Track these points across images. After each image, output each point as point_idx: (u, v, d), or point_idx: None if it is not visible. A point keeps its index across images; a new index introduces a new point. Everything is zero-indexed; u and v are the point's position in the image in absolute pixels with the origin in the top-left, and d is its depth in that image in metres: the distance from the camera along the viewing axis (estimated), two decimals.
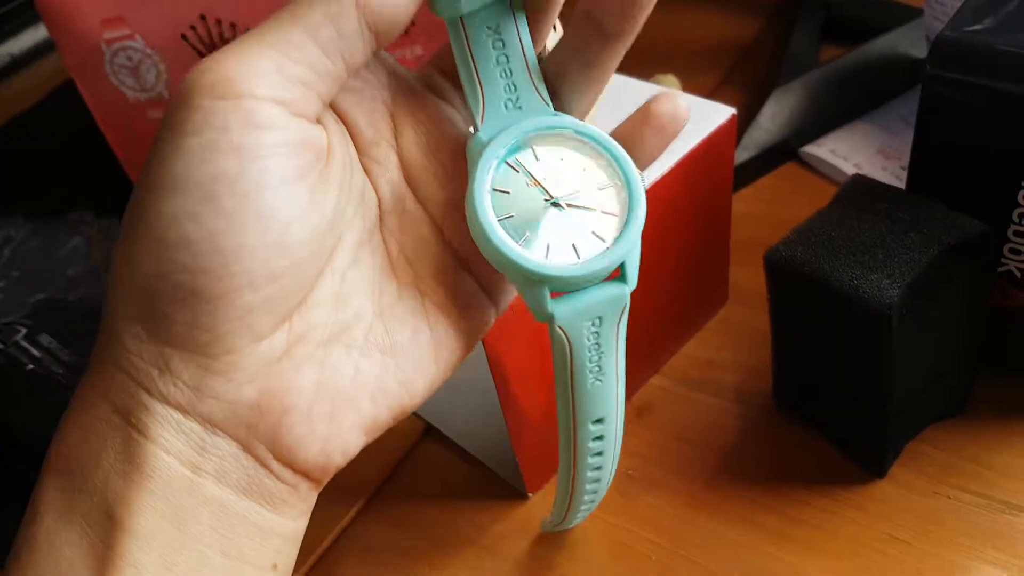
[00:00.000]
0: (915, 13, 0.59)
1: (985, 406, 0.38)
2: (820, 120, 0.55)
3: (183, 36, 0.53)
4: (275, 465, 0.23)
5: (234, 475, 0.23)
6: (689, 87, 0.61)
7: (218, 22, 0.53)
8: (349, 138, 0.25)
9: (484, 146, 0.25)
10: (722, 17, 0.71)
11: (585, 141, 0.25)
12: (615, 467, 0.30)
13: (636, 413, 0.41)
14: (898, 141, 0.53)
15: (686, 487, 0.38)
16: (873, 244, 0.32)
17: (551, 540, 0.38)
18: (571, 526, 0.35)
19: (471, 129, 0.26)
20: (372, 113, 0.25)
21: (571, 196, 0.25)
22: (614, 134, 0.26)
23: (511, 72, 0.25)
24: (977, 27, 0.32)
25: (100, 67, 0.54)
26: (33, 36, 0.88)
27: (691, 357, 0.44)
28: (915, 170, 0.36)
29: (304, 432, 0.23)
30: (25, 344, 0.50)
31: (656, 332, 0.42)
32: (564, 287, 0.24)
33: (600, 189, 0.25)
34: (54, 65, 0.84)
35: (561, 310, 0.25)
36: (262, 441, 0.23)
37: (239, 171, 0.21)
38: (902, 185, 0.49)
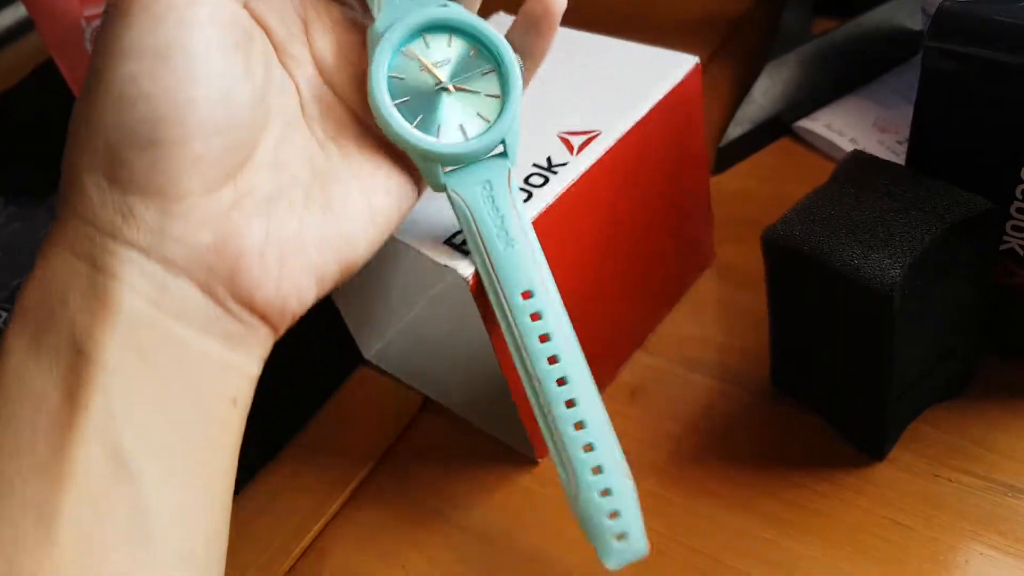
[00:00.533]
0: None
1: (987, 386, 0.37)
2: (814, 94, 0.54)
3: None
4: (233, 306, 0.26)
5: (193, 314, 0.25)
6: None
7: None
8: (265, 36, 0.28)
9: (380, 36, 0.28)
10: None
11: (469, 30, 0.29)
12: (599, 406, 0.29)
13: (631, 394, 0.41)
14: (894, 114, 0.52)
15: (683, 471, 0.37)
16: (874, 222, 0.32)
17: (545, 524, 0.37)
18: (613, 529, 0.29)
19: (371, 20, 0.28)
20: (284, 15, 0.29)
21: (458, 80, 0.29)
22: (509, 32, 0.30)
23: None
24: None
25: (80, 44, 0.53)
26: (12, 15, 0.86)
27: (685, 336, 0.43)
28: (915, 145, 0.35)
29: (258, 274, 0.26)
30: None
31: (638, 294, 0.42)
32: (454, 162, 0.29)
33: (483, 74, 0.29)
34: (33, 45, 0.82)
35: (453, 180, 0.29)
36: (220, 283, 0.25)
37: (187, 38, 0.24)
38: (899, 159, 0.49)
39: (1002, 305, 0.36)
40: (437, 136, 0.28)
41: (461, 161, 0.29)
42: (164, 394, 0.25)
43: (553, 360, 0.29)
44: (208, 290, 0.25)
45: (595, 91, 0.38)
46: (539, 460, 0.39)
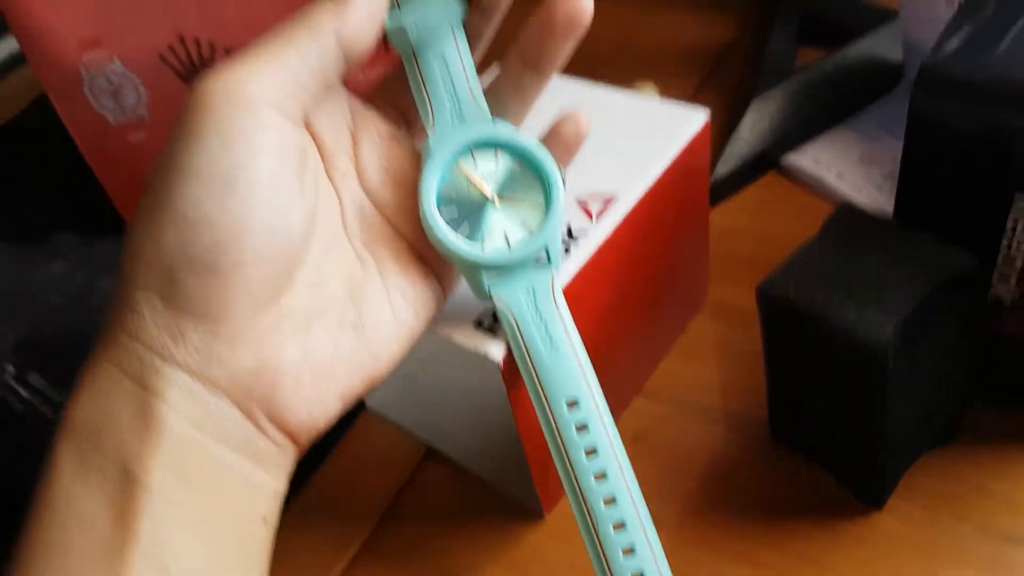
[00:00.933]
0: (891, 15, 0.59)
1: (978, 432, 0.38)
2: (800, 128, 0.55)
3: (161, 57, 0.53)
4: (268, 426, 0.27)
5: (230, 434, 0.26)
6: (668, 91, 0.61)
7: (196, 42, 0.53)
8: (317, 150, 0.29)
9: (432, 153, 0.30)
10: (699, 19, 0.71)
11: (515, 147, 0.30)
12: (643, 509, 0.29)
13: (632, 440, 0.41)
14: (878, 147, 0.53)
15: (684, 521, 0.38)
16: (865, 278, 0.32)
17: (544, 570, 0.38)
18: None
19: (424, 138, 0.30)
20: (336, 131, 0.30)
21: (503, 193, 0.30)
22: (541, 140, 0.32)
23: (455, 89, 0.30)
24: (961, 54, 0.32)
25: (79, 91, 0.54)
26: (8, 47, 0.86)
27: (684, 378, 0.44)
28: (902, 198, 0.36)
29: (293, 396, 0.27)
30: (14, 385, 0.49)
31: (640, 341, 0.42)
32: (499, 270, 0.30)
33: (527, 187, 0.30)
34: (29, 77, 0.82)
35: (498, 287, 0.30)
36: (258, 404, 0.26)
37: (252, 165, 0.25)
38: (885, 194, 0.50)
39: (989, 352, 0.37)
40: (483, 245, 0.30)
41: (505, 269, 0.30)
42: (204, 516, 0.25)
43: (601, 477, 0.29)
44: (246, 411, 0.26)
45: (609, 151, 0.38)
46: (546, 514, 0.40)
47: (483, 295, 0.30)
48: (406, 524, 0.41)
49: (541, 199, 0.30)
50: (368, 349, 0.29)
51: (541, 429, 0.35)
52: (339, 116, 0.30)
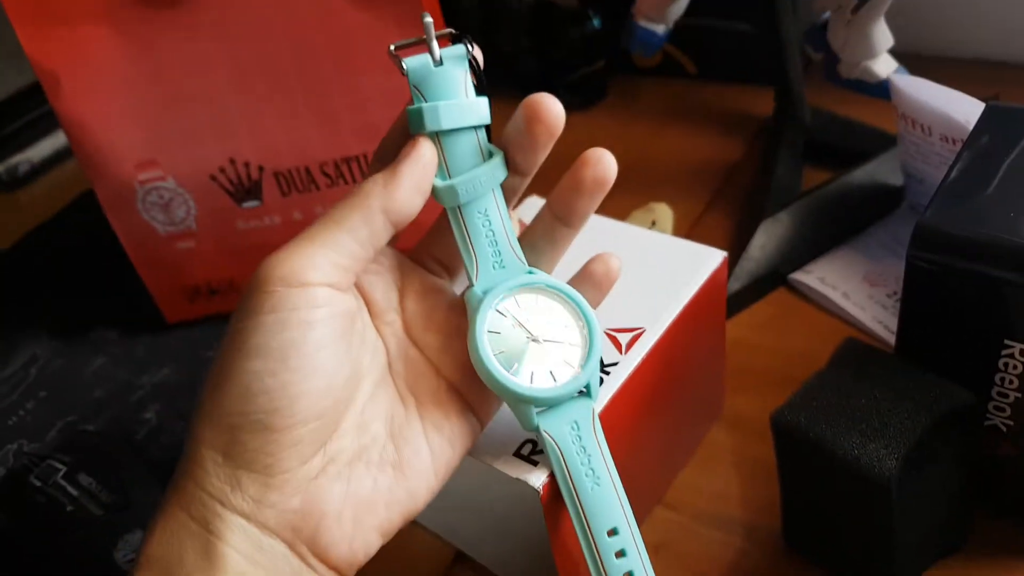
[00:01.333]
0: (891, 139, 0.63)
1: (983, 542, 0.41)
2: (806, 248, 0.59)
3: (212, 177, 0.57)
4: (313, 561, 0.30)
5: (281, 569, 0.29)
6: (679, 209, 0.65)
7: (246, 164, 0.57)
8: (365, 306, 0.33)
9: (480, 299, 0.33)
10: (706, 136, 0.75)
11: (553, 291, 0.34)
12: None
13: (654, 551, 0.43)
14: (882, 268, 0.57)
15: None
16: (869, 411, 0.36)
17: None
18: None
19: (470, 285, 0.34)
20: (386, 289, 0.34)
21: (546, 333, 0.33)
22: (572, 281, 0.35)
23: (496, 241, 0.34)
24: (956, 210, 0.36)
25: (133, 204, 0.57)
26: (53, 143, 0.90)
27: (702, 490, 0.47)
28: (903, 335, 0.39)
29: (336, 534, 0.30)
30: (64, 483, 0.52)
31: (661, 454, 0.45)
32: (545, 404, 0.33)
33: (566, 327, 0.33)
34: (73, 171, 0.86)
35: (544, 420, 0.33)
36: (304, 541, 0.30)
37: (303, 339, 0.29)
38: (889, 314, 0.53)
39: (989, 471, 0.40)
40: (531, 382, 0.32)
41: (552, 403, 0.33)
42: None
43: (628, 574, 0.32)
44: (293, 548, 0.30)
45: (635, 286, 0.42)
46: None
47: (531, 427, 0.33)
48: None
49: (579, 338, 0.33)
50: (405, 486, 0.32)
51: (576, 553, 0.38)
52: (387, 275, 0.34)
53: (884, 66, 0.58)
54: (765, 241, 0.58)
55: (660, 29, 0.65)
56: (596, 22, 0.79)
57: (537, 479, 0.34)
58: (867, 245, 0.59)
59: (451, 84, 0.32)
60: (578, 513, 0.32)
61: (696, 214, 0.66)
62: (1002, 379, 0.37)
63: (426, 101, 0.32)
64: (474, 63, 0.33)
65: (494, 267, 0.34)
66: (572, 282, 0.35)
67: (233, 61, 0.53)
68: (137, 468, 0.55)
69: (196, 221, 0.59)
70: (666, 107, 0.81)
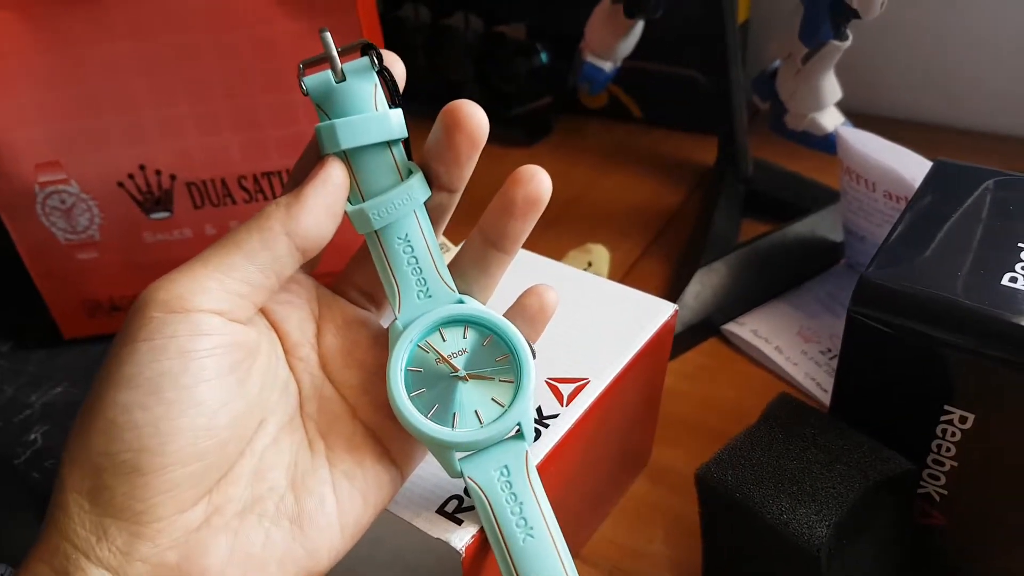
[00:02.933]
0: (833, 194, 0.62)
1: None
2: (741, 299, 0.57)
3: (119, 183, 0.53)
4: None
5: None
6: (616, 252, 0.64)
7: (157, 172, 0.53)
8: (278, 341, 0.30)
9: (400, 333, 0.30)
10: (649, 181, 0.74)
11: (483, 323, 0.31)
12: None
13: None
14: (816, 324, 0.55)
15: None
16: (801, 473, 0.34)
17: None
18: None
19: (394, 318, 0.31)
20: (300, 321, 0.31)
21: (472, 369, 0.30)
22: (506, 315, 0.32)
23: (420, 269, 0.31)
24: (900, 268, 0.34)
25: (32, 208, 0.54)
26: None
27: (621, 546, 0.44)
28: (839, 394, 0.37)
29: None
30: None
31: (584, 506, 0.43)
32: (470, 449, 0.30)
33: (496, 360, 0.30)
34: None
35: (469, 466, 0.30)
36: None
37: (181, 369, 0.26)
38: (823, 370, 0.52)
39: (920, 540, 0.38)
40: (452, 424, 0.29)
41: (477, 447, 0.30)
42: None
43: None
44: None
45: (580, 335, 0.39)
46: None
47: (454, 474, 0.30)
48: None
49: (511, 374, 0.30)
50: (304, 544, 0.28)
51: None
52: (302, 307, 0.31)
53: (831, 119, 0.57)
54: (700, 290, 0.57)
55: (607, 67, 0.64)
56: (544, 57, 0.78)
57: (460, 540, 0.31)
58: (803, 300, 0.58)
59: (357, 99, 0.29)
60: (507, 566, 0.29)
61: (633, 258, 0.65)
62: (939, 446, 0.35)
63: (329, 119, 0.29)
64: (386, 75, 0.30)
65: (419, 296, 0.31)
66: (506, 316, 0.32)
67: (151, 63, 0.50)
68: (13, 494, 0.51)
69: (100, 230, 0.55)
70: (610, 149, 0.79)
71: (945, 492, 0.36)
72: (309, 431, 0.30)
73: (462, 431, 0.29)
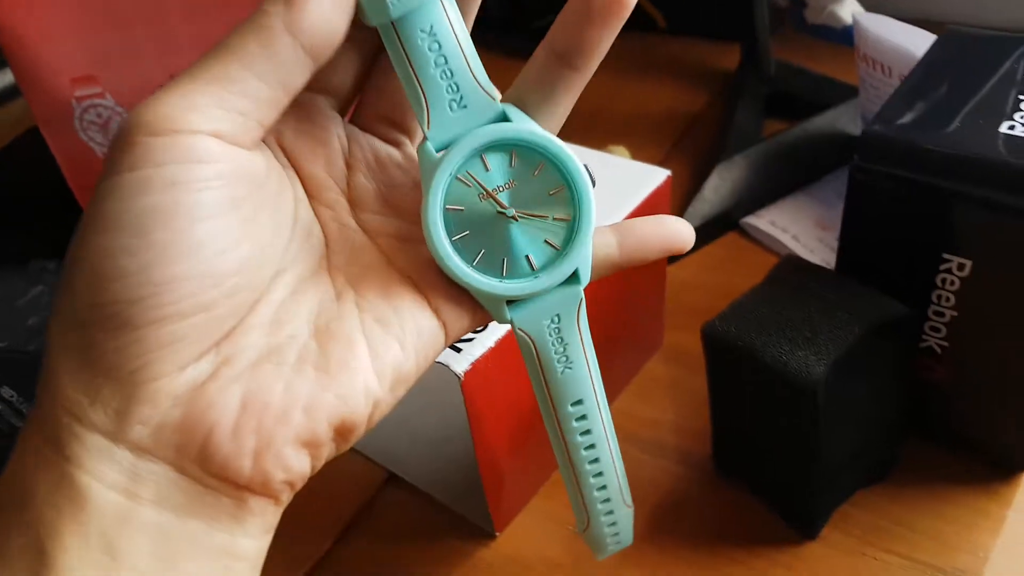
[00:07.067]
0: (853, 91, 0.62)
1: (911, 470, 0.40)
2: (761, 193, 0.58)
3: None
4: (212, 481, 0.23)
5: (173, 498, 0.23)
6: (639, 156, 0.64)
7: None
8: (298, 181, 0.26)
9: (434, 161, 0.25)
10: (671, 89, 0.74)
11: (534, 146, 0.25)
12: (618, 460, 0.30)
13: None
14: (834, 214, 0.56)
15: (635, 548, 0.39)
16: (802, 322, 0.35)
17: None
18: (612, 539, 0.32)
19: (422, 138, 0.26)
20: (327, 159, 0.27)
21: (522, 206, 0.26)
22: None
23: (451, 72, 0.25)
24: (902, 121, 0.35)
25: (70, 122, 0.55)
26: (4, 79, 0.88)
27: (637, 417, 0.46)
28: (843, 252, 0.38)
29: (232, 448, 0.23)
30: None
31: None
32: (520, 298, 0.27)
33: (551, 194, 0.26)
34: (21, 109, 0.84)
35: (520, 315, 0.27)
36: (192, 460, 0.23)
37: (172, 205, 0.22)
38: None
39: (922, 397, 0.39)
40: (502, 272, 0.26)
41: (528, 298, 0.27)
42: None
43: (585, 431, 0.29)
44: (181, 469, 0.23)
45: None
46: (498, 534, 0.41)
47: (503, 321, 0.27)
48: (361, 545, 0.43)
49: (567, 210, 0.26)
50: (335, 390, 0.24)
51: (495, 449, 0.37)
52: (328, 143, 0.27)
53: (848, 8, 0.57)
54: (719, 184, 0.57)
55: None
56: None
57: (459, 365, 0.33)
58: (822, 192, 0.58)
59: None
60: (543, 395, 0.28)
61: (655, 161, 0.65)
62: (939, 296, 0.36)
63: None
64: None
65: (451, 107, 0.25)
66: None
67: None
68: None
69: None
70: (634, 59, 0.80)
71: (946, 343, 0.37)
72: (337, 283, 0.26)
73: (513, 282, 0.26)
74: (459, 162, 0.25)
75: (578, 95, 0.26)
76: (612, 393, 0.47)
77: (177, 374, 0.23)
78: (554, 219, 0.26)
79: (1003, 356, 0.36)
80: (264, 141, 0.26)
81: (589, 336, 0.28)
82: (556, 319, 0.27)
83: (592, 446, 0.29)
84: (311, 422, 0.24)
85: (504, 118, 0.25)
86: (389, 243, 0.27)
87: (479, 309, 0.27)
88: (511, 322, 0.27)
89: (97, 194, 0.22)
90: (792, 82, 0.67)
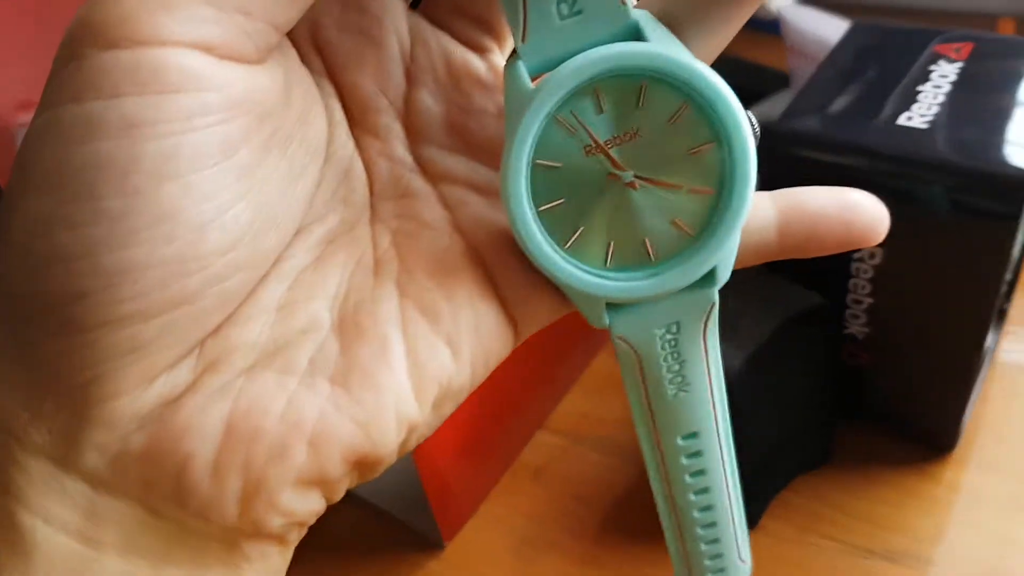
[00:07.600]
0: (786, 80, 0.64)
1: (846, 455, 0.41)
2: None
3: None
4: (194, 522, 0.17)
5: (144, 542, 0.17)
6: None
7: None
8: (335, 99, 0.19)
9: (526, 92, 0.17)
10: None
11: (674, 79, 0.17)
12: (738, 508, 0.24)
13: (534, 473, 0.44)
14: None
15: (579, 546, 0.41)
16: (722, 315, 0.36)
17: None
18: None
19: (513, 54, 0.18)
20: (379, 66, 0.19)
21: (648, 167, 0.18)
22: None
23: None
24: (812, 112, 0.36)
25: (12, 150, 0.56)
26: None
27: (583, 414, 0.47)
28: None
29: (211, 490, 0.16)
30: None
31: (543, 379, 0.45)
32: (625, 301, 0.19)
33: (691, 152, 0.18)
34: None
35: (623, 320, 0.19)
36: (166, 498, 0.16)
37: (131, 156, 0.14)
38: None
39: (853, 382, 0.41)
40: (606, 259, 0.18)
41: (639, 301, 0.19)
42: None
43: (699, 471, 0.23)
44: (152, 509, 0.17)
45: None
46: (445, 544, 0.42)
47: (600, 326, 0.20)
48: (303, 557, 0.43)
49: (712, 180, 0.18)
50: (351, 411, 0.17)
51: (438, 455, 0.38)
52: (382, 42, 0.19)
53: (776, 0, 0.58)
54: None
55: None
56: None
57: None
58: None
59: None
60: (647, 423, 0.22)
61: None
62: (855, 285, 0.37)
63: None
64: None
65: (560, 13, 0.17)
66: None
67: None
68: None
69: None
70: None
71: (867, 330, 0.38)
72: (379, 245, 0.19)
73: (622, 278, 0.19)
74: (562, 96, 0.17)
75: (740, 24, 0.18)
76: (561, 390, 0.48)
77: (142, 390, 0.16)
78: (690, 190, 0.18)
79: (921, 339, 0.37)
80: (290, 36, 0.18)
81: (717, 352, 0.21)
82: (674, 328, 0.20)
83: (706, 490, 0.23)
84: (318, 458, 0.17)
85: (637, 35, 0.17)
86: (456, 194, 0.19)
87: (564, 302, 0.20)
88: (607, 326, 0.19)
89: (28, 137, 0.15)
90: (723, 71, 0.68)
